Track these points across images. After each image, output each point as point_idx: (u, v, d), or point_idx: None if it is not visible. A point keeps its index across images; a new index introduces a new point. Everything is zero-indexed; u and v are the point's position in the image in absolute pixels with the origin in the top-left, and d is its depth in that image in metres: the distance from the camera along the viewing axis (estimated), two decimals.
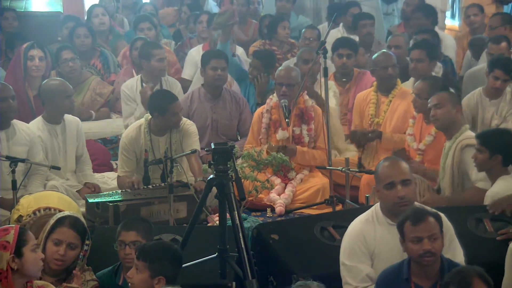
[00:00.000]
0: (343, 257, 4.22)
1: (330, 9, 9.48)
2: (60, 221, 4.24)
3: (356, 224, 4.28)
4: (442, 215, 4.17)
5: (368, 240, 4.17)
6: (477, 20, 8.80)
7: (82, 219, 4.39)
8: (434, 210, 4.08)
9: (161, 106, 5.87)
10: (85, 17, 9.35)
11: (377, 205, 4.29)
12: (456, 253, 4.14)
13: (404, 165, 4.24)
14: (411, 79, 6.92)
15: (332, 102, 6.87)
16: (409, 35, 8.36)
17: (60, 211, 4.86)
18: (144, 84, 7.11)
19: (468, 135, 5.40)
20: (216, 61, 6.82)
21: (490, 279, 3.59)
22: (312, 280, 3.69)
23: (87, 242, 4.31)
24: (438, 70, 7.37)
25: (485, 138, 5.15)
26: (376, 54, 6.72)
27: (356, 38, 8.41)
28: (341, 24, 9.00)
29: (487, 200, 4.99)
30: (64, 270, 4.21)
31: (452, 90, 6.45)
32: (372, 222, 4.23)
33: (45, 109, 6.08)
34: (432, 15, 8.70)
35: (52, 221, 4.26)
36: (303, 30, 8.47)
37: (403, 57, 7.24)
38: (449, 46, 8.55)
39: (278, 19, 8.83)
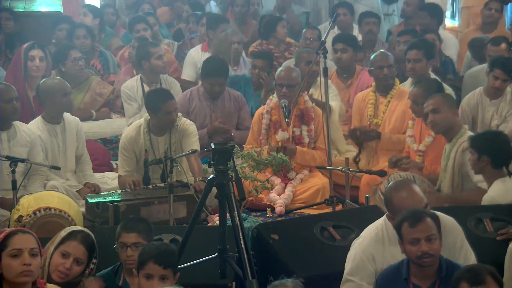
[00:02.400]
0: (346, 268, 4.19)
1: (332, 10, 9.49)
2: (72, 235, 4.18)
3: (364, 241, 4.20)
4: (451, 219, 4.17)
5: (377, 258, 4.14)
6: (495, 15, 8.75)
7: (93, 236, 4.30)
8: (431, 211, 4.07)
9: (154, 105, 5.88)
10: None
11: (386, 220, 4.20)
12: (468, 255, 4.13)
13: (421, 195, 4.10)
14: (409, 80, 6.91)
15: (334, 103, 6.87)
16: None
17: (60, 211, 4.88)
18: (144, 84, 7.11)
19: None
20: (214, 79, 6.82)
21: (501, 278, 3.59)
22: (297, 278, 3.72)
23: (94, 260, 4.25)
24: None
25: (473, 140, 5.18)
26: (373, 54, 6.72)
27: (359, 37, 8.42)
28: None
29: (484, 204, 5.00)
30: (65, 284, 4.10)
31: (448, 88, 6.46)
32: (382, 240, 4.17)
33: (44, 108, 6.08)
34: (437, 15, 8.69)
35: (64, 233, 4.20)
36: (304, 30, 8.47)
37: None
38: (450, 46, 8.53)
39: (277, 18, 8.83)
